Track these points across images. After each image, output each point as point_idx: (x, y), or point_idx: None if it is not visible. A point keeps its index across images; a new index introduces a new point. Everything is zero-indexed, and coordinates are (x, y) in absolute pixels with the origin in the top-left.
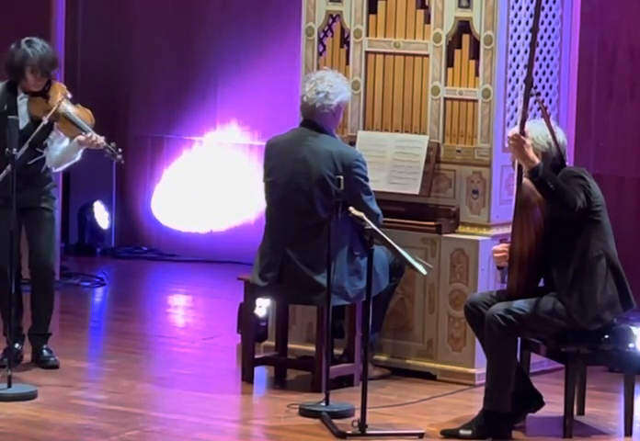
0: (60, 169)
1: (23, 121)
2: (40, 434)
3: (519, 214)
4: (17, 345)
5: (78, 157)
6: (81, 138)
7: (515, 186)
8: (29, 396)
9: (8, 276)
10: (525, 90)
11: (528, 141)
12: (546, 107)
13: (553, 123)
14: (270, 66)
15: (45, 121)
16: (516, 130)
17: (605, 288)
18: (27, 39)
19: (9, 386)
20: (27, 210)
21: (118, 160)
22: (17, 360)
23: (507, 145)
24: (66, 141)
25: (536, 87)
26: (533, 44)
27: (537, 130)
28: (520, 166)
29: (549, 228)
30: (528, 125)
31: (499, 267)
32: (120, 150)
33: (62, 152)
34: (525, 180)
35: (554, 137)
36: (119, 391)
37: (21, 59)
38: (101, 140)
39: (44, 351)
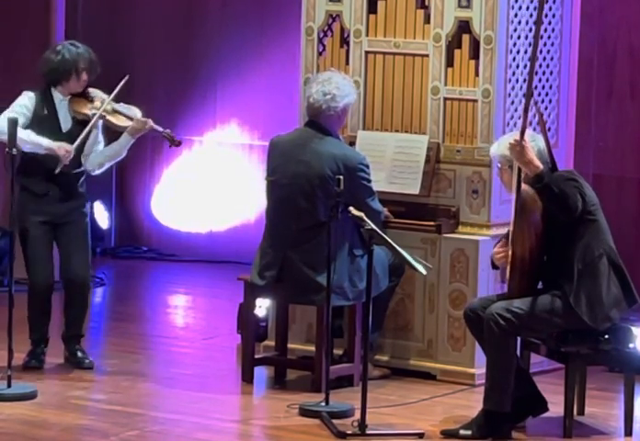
0: (101, 170)
1: (66, 124)
2: (40, 434)
3: (519, 219)
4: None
5: (124, 154)
6: (135, 125)
7: (514, 191)
8: (29, 396)
9: (46, 292)
10: (525, 103)
11: (529, 145)
12: (542, 114)
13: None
14: (270, 66)
15: (97, 115)
16: (516, 137)
17: (610, 287)
18: (68, 41)
19: (9, 386)
20: (63, 225)
21: (177, 143)
22: (41, 361)
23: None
24: (102, 145)
25: (534, 98)
26: (533, 60)
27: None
28: (519, 170)
29: (548, 231)
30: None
31: (495, 267)
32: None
33: (108, 151)
34: (523, 185)
35: (547, 142)
36: (119, 391)
37: (75, 58)
38: (151, 122)
39: (78, 352)
